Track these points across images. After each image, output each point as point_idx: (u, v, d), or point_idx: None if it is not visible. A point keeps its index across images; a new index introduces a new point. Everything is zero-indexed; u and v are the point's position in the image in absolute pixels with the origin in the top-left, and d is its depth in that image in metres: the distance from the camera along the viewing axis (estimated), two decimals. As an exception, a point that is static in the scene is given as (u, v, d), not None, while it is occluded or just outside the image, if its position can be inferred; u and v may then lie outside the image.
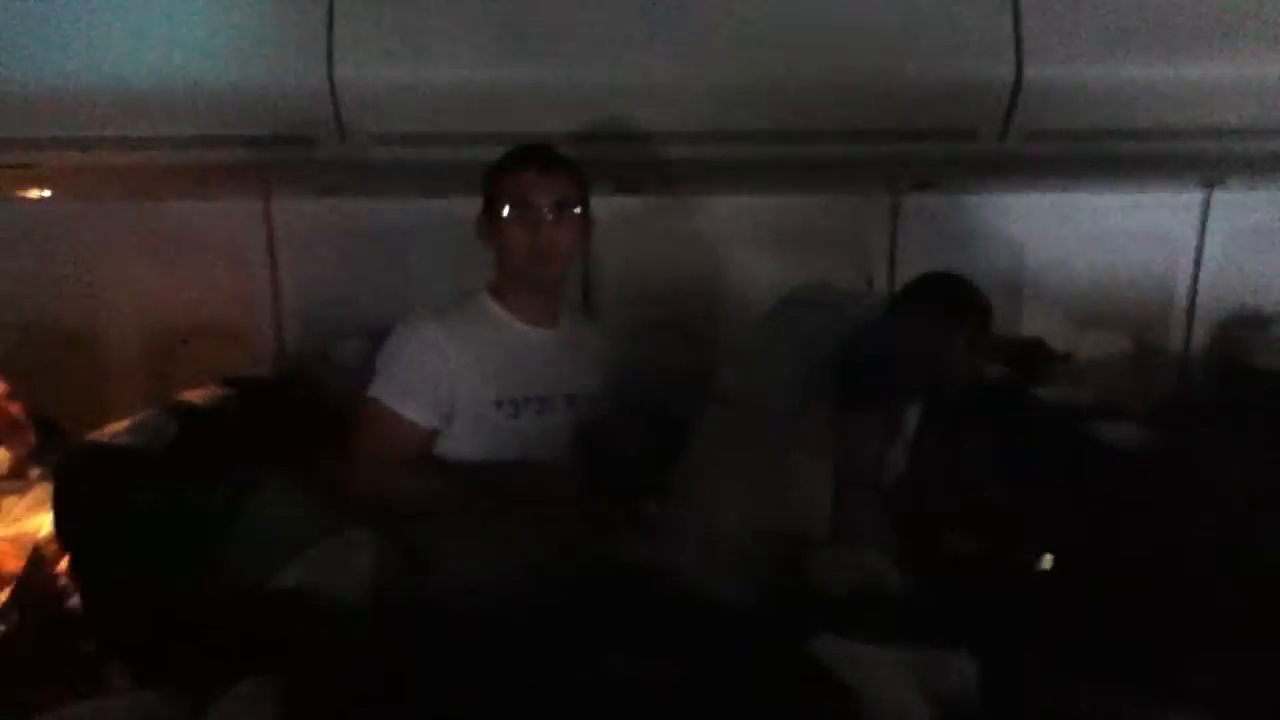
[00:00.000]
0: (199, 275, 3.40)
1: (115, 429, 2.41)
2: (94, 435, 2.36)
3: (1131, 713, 1.25)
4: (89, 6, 2.29)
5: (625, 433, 2.22)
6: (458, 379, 2.07)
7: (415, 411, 2.07)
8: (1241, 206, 3.40)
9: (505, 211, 2.08)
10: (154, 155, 2.53)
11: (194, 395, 2.72)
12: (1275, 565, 1.69)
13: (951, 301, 2.29)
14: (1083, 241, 3.46)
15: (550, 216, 2.07)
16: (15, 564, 2.82)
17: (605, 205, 3.30)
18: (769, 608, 1.50)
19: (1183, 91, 2.46)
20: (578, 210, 2.13)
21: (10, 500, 2.95)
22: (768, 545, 1.74)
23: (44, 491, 3.02)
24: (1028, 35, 2.32)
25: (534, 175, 2.07)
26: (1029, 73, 2.34)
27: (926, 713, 1.12)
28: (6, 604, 2.52)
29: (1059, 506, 2.30)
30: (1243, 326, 3.56)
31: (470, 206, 2.22)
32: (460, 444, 2.10)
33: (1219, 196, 3.35)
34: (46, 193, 3.08)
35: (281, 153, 2.51)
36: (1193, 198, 3.37)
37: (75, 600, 2.67)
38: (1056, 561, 2.05)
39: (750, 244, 3.32)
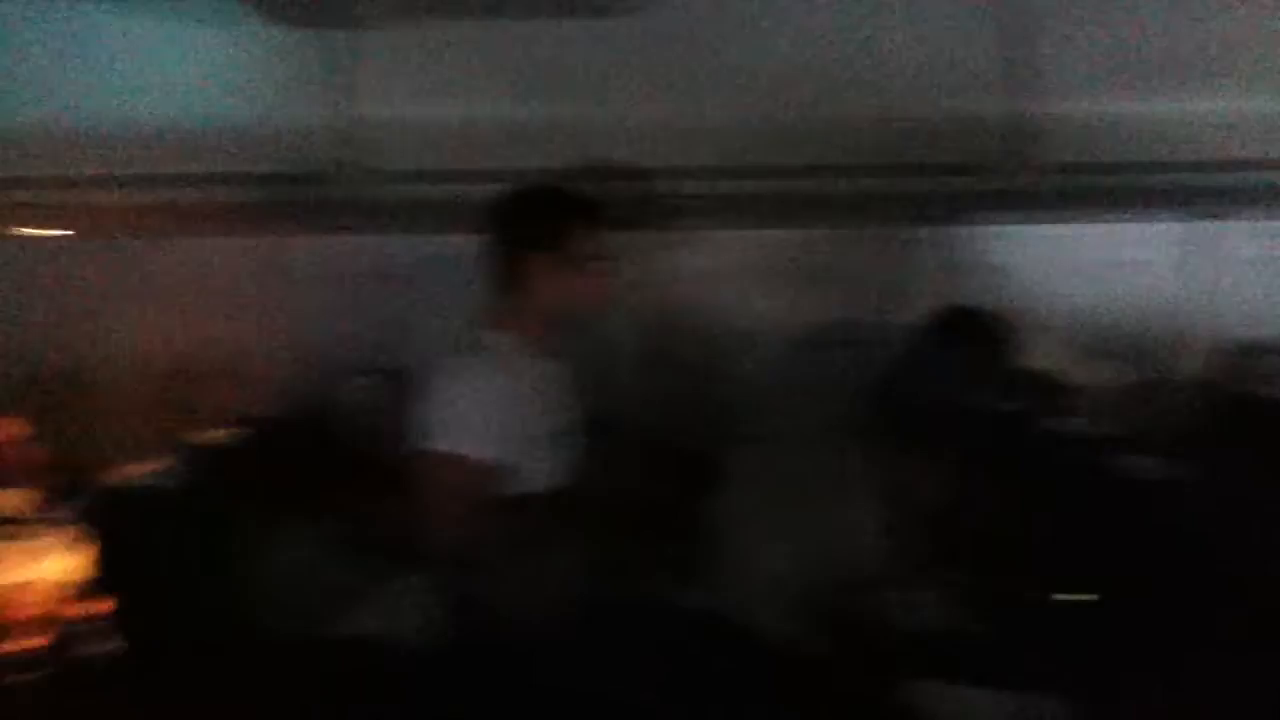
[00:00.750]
0: (207, 313, 3.39)
1: (142, 470, 2.40)
2: (121, 478, 2.36)
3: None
4: (106, 48, 2.31)
5: (651, 464, 2.24)
6: (505, 414, 2.06)
7: (482, 450, 2.04)
8: (1237, 237, 3.46)
9: (557, 256, 2.09)
10: (168, 193, 2.53)
11: (214, 435, 2.72)
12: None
13: (983, 334, 2.33)
14: (1085, 272, 3.51)
15: (595, 259, 2.08)
16: (32, 608, 2.81)
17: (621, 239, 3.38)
18: (847, 650, 1.51)
19: (1183, 126, 2.52)
20: (604, 249, 2.14)
21: (26, 544, 2.93)
22: (824, 587, 1.76)
23: (62, 535, 3.01)
24: (1040, 72, 2.37)
25: (587, 224, 2.08)
26: (1042, 109, 2.39)
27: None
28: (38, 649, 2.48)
29: (1088, 540, 2.33)
30: (1239, 355, 3.63)
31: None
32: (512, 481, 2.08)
33: (1215, 227, 3.42)
34: (63, 232, 3.06)
35: (296, 191, 2.52)
36: (1191, 228, 3.44)
37: (88, 645, 2.66)
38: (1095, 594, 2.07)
39: (758, 277, 3.36)
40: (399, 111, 2.34)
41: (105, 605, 2.47)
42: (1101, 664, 1.69)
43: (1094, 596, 2.00)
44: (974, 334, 2.33)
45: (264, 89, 2.30)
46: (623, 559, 2.25)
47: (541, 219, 2.12)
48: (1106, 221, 3.39)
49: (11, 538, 2.92)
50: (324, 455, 2.64)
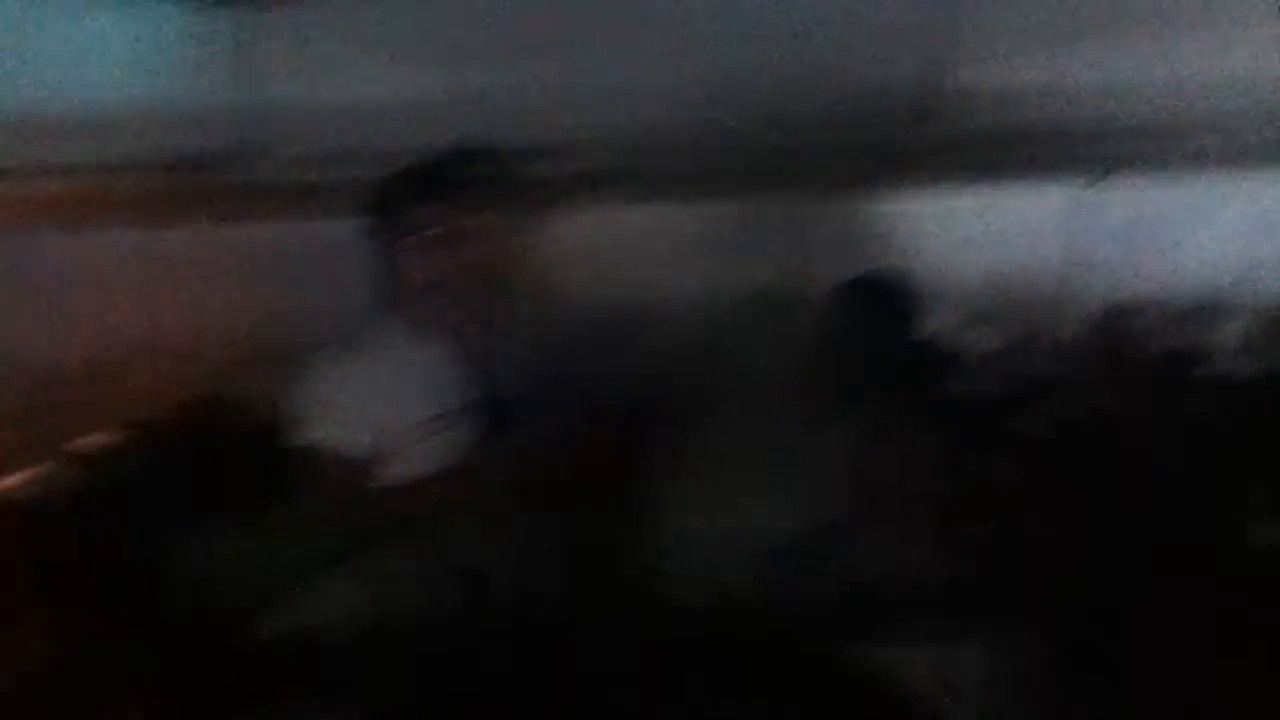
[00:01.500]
0: (83, 310, 3.22)
1: (14, 480, 2.27)
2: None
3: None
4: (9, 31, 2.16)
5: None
6: (382, 402, 2.02)
7: (353, 439, 2.01)
8: (1117, 201, 3.59)
9: (401, 232, 2.05)
10: (65, 181, 2.39)
11: (93, 441, 2.59)
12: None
13: (903, 299, 2.38)
14: (970, 240, 3.60)
15: (445, 234, 2.05)
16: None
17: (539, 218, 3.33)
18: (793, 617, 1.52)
19: (1073, 90, 2.59)
20: (475, 225, 2.10)
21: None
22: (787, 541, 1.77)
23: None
24: (950, 37, 2.40)
25: (426, 194, 2.05)
26: (951, 74, 2.42)
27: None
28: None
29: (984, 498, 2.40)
30: (1117, 316, 3.78)
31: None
32: (398, 466, 2.05)
33: (1094, 193, 3.55)
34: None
35: (201, 176, 2.41)
36: (1071, 193, 3.55)
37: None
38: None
39: (666, 251, 3.36)
40: (301, 92, 2.24)
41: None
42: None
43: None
44: (886, 300, 2.36)
45: (167, 73, 2.18)
46: (534, 543, 2.23)
47: (390, 199, 2.09)
48: (994, 189, 3.49)
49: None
50: (222, 453, 2.53)
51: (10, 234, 3.11)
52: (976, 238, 3.60)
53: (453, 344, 2.14)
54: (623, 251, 3.44)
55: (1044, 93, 2.51)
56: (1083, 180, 3.48)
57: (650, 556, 2.16)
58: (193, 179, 2.49)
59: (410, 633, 1.45)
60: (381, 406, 2.03)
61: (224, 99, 2.29)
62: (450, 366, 2.12)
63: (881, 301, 2.35)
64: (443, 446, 2.05)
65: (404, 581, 1.69)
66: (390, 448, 2.03)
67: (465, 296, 2.09)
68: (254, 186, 2.57)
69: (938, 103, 2.51)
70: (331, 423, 2.02)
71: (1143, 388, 3.62)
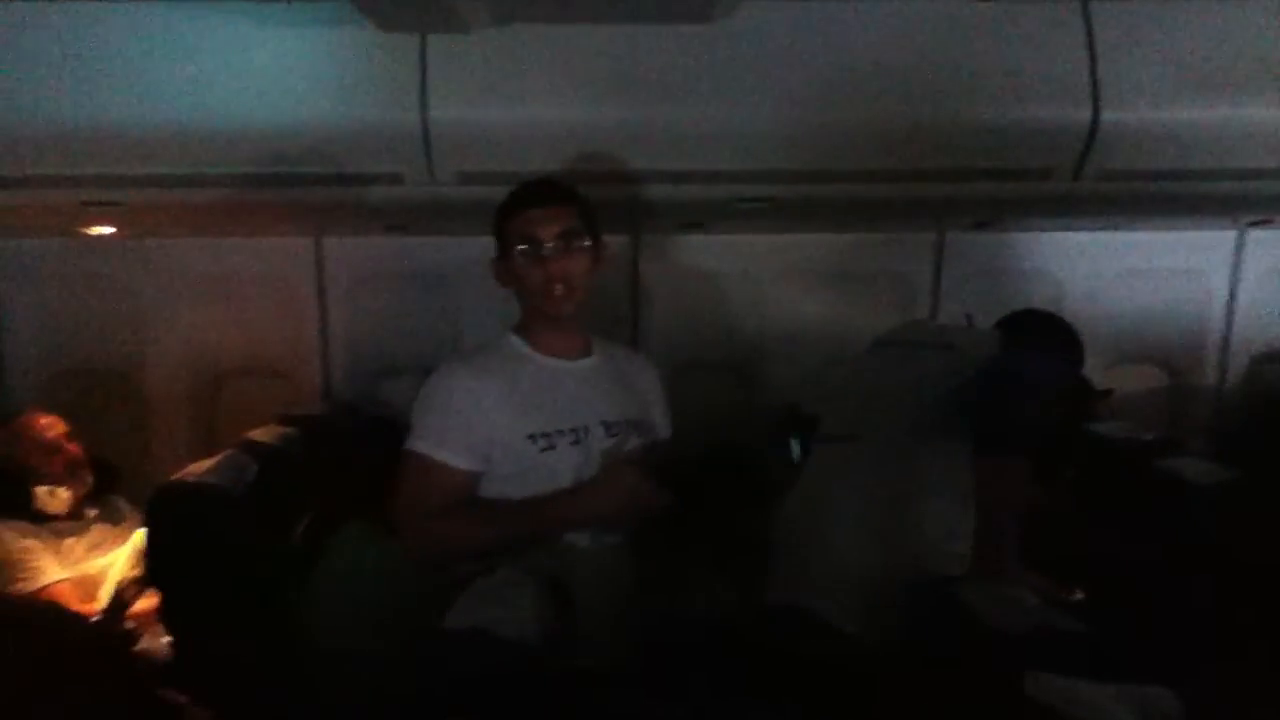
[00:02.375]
0: (250, 312, 3.39)
1: (200, 468, 2.39)
2: (181, 475, 2.35)
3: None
4: (184, 46, 2.30)
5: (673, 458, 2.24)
6: (489, 418, 2.05)
7: (453, 456, 2.04)
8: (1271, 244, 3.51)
9: (512, 250, 2.09)
10: (233, 193, 2.53)
11: (261, 434, 2.71)
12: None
13: (1062, 340, 2.33)
14: (1121, 277, 3.55)
15: (556, 250, 2.07)
16: (80, 604, 2.80)
17: (670, 243, 3.41)
18: (946, 647, 1.52)
19: (1230, 133, 2.54)
20: (586, 242, 2.12)
21: (70, 541, 2.93)
22: (908, 584, 1.76)
23: (103, 532, 3.01)
24: (1104, 79, 2.39)
25: (536, 211, 2.07)
26: (1105, 116, 2.41)
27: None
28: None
29: (1141, 542, 2.35)
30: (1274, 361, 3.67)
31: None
32: (501, 483, 2.08)
33: (1255, 234, 3.46)
34: (110, 230, 3.06)
35: (367, 191, 2.52)
36: (1229, 235, 3.48)
37: (143, 643, 2.65)
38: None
39: (815, 281, 3.40)
40: (479, 113, 2.34)
41: (159, 601, 2.46)
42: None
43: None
44: (1048, 338, 2.33)
45: (342, 89, 2.30)
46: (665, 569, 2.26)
47: (495, 220, 2.13)
48: (1148, 229, 3.43)
49: (65, 534, 2.92)
50: (363, 452, 2.63)
51: (191, 240, 3.31)
52: (1132, 278, 3.54)
53: (573, 361, 2.18)
54: (764, 279, 3.49)
55: (1200, 135, 2.47)
56: (1242, 222, 3.40)
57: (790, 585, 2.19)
58: (360, 193, 2.60)
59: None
60: (501, 420, 2.06)
61: (390, 117, 2.39)
62: (570, 384, 2.16)
63: (1035, 340, 2.31)
64: (570, 460, 2.08)
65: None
66: (507, 460, 2.07)
67: (567, 306, 2.12)
68: (419, 202, 2.67)
69: (1095, 145, 2.49)
70: (451, 437, 2.06)
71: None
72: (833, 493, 2.01)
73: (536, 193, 2.09)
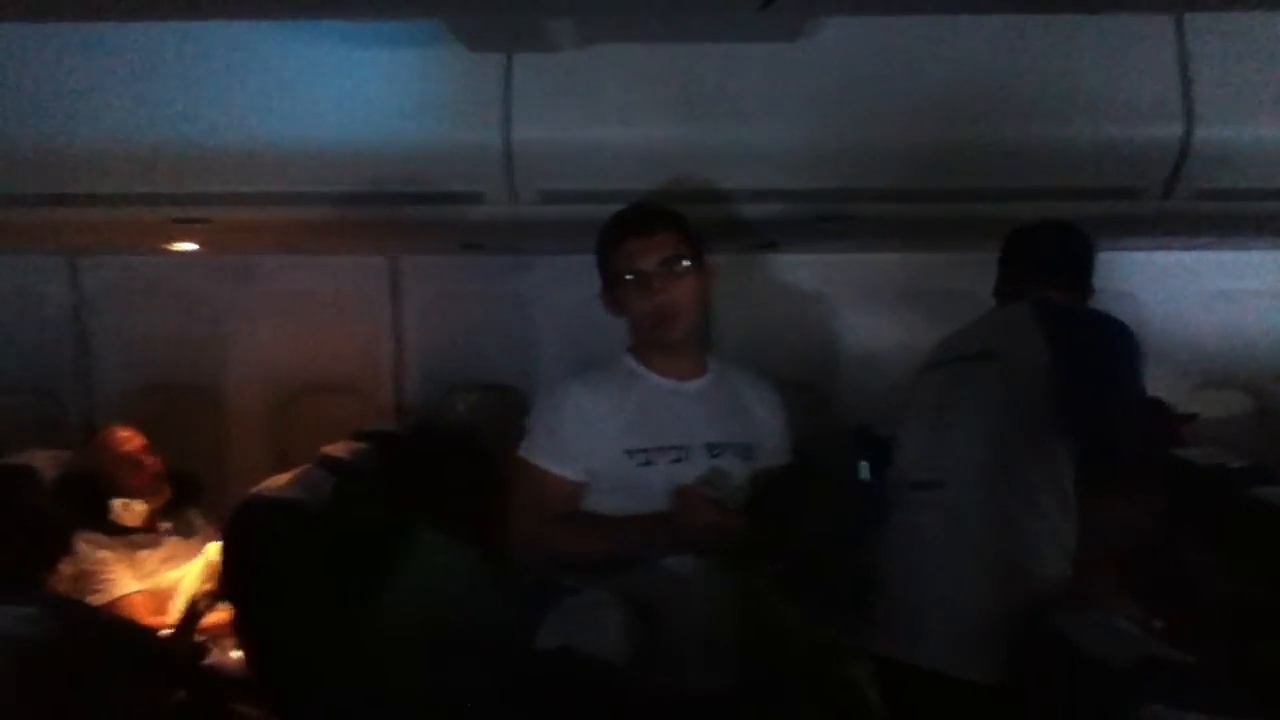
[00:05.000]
0: (326, 329, 3.43)
1: (278, 483, 2.41)
2: (259, 489, 2.37)
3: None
4: (274, 67, 2.33)
5: (786, 484, 2.21)
6: (593, 431, 2.06)
7: (560, 467, 2.05)
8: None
9: (621, 282, 2.07)
10: (317, 211, 2.56)
11: (338, 450, 2.73)
12: None
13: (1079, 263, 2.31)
14: (1204, 299, 3.47)
15: (659, 279, 2.06)
16: (152, 617, 2.83)
17: (747, 262, 3.40)
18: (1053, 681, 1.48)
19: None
20: (687, 264, 2.11)
21: (145, 553, 2.97)
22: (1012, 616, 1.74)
23: (177, 545, 3.05)
24: (1197, 95, 2.33)
25: (636, 242, 2.04)
26: (1197, 133, 2.35)
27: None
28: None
29: (1235, 572, 2.28)
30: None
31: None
32: (601, 497, 2.08)
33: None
34: (194, 247, 3.11)
35: (450, 210, 2.54)
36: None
37: (214, 657, 2.67)
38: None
39: (888, 301, 3.37)
40: (561, 133, 2.35)
41: (232, 615, 2.48)
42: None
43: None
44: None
45: (424, 108, 2.33)
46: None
47: (597, 252, 2.12)
48: (1233, 249, 3.35)
49: (139, 546, 2.96)
50: (460, 468, 2.63)
51: (270, 257, 3.35)
52: (1216, 300, 3.46)
53: (685, 381, 2.17)
54: (836, 299, 3.47)
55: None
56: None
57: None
58: (441, 211, 2.61)
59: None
60: (604, 435, 2.06)
61: (474, 136, 2.40)
62: (677, 403, 2.15)
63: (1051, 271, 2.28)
64: (668, 478, 2.07)
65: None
66: (606, 475, 2.06)
67: (677, 332, 2.10)
68: (498, 221, 2.68)
69: (1186, 163, 2.43)
70: (559, 448, 2.06)
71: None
72: (928, 539, 2.02)
73: (635, 222, 2.07)
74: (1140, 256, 3.40)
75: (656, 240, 2.04)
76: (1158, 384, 3.33)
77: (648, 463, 2.04)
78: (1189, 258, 3.41)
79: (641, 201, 2.19)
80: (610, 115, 2.39)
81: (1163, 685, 1.34)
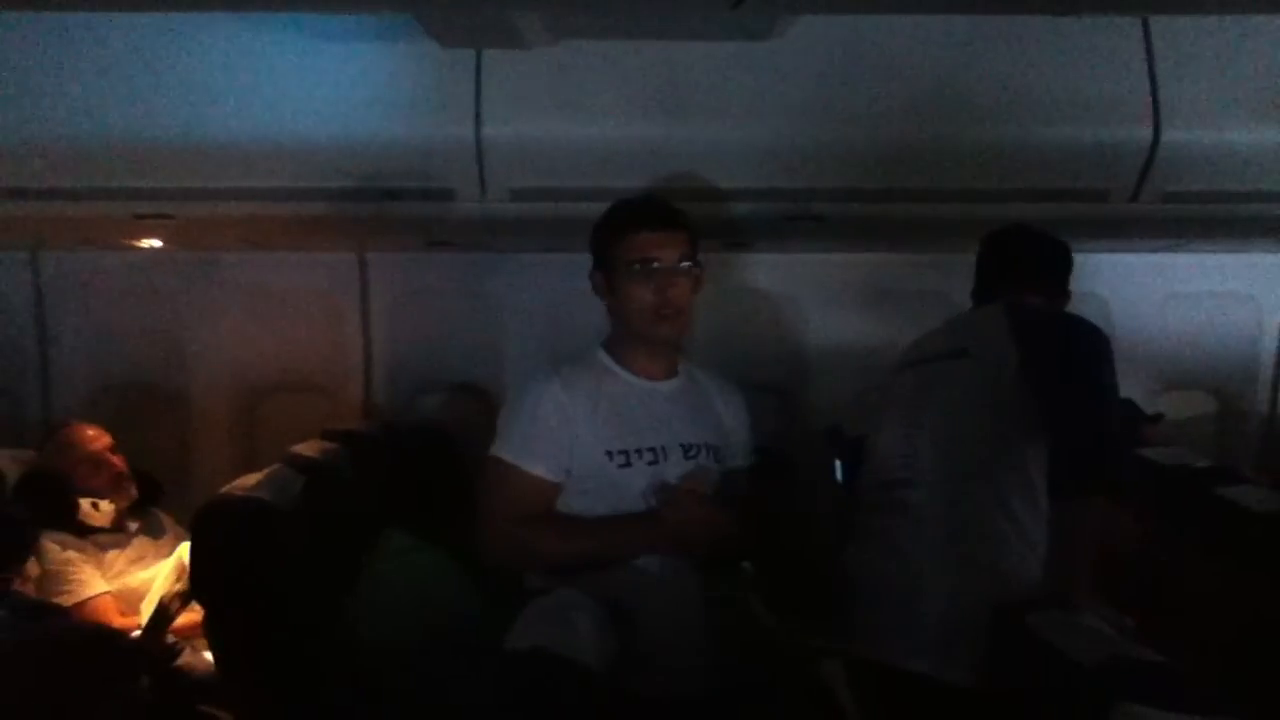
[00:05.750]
0: (293, 327, 3.39)
1: (247, 483, 2.38)
2: (228, 489, 2.34)
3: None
4: (242, 60, 2.31)
5: (748, 483, 2.22)
6: (572, 431, 2.05)
7: (538, 466, 2.04)
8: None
9: (629, 270, 2.06)
10: (284, 207, 2.53)
11: (307, 449, 2.70)
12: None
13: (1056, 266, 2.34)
14: (1169, 300, 3.50)
15: (673, 274, 2.05)
16: (122, 618, 2.79)
17: (716, 261, 3.39)
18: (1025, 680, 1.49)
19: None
20: (694, 265, 2.11)
21: (113, 554, 2.93)
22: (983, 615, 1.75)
23: (145, 545, 3.01)
24: (1164, 99, 2.36)
25: (656, 234, 2.05)
26: (1165, 136, 2.37)
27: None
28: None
29: (1204, 569, 2.30)
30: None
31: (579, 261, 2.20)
32: (577, 498, 2.07)
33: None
34: (158, 243, 3.07)
35: (418, 207, 2.52)
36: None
37: (185, 658, 2.64)
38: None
39: (859, 301, 3.38)
40: (532, 129, 2.34)
41: (203, 617, 2.45)
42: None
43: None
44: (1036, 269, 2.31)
45: (394, 105, 2.31)
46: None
47: (600, 233, 2.12)
48: (1197, 251, 3.38)
49: (108, 547, 2.92)
50: (430, 467, 2.62)
51: (235, 254, 3.32)
52: (1181, 302, 3.50)
53: (658, 381, 2.16)
54: (806, 299, 3.47)
55: (1261, 157, 2.44)
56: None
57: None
58: (409, 208, 2.59)
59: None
60: (582, 435, 2.05)
61: (444, 133, 2.38)
62: (653, 404, 2.14)
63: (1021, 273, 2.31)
64: (645, 479, 2.06)
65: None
66: (585, 475, 2.05)
67: (674, 330, 2.10)
68: (468, 218, 2.66)
69: (1154, 166, 2.46)
70: (537, 448, 2.05)
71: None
72: (899, 538, 2.04)
73: (657, 215, 2.08)
74: (1107, 258, 3.42)
75: (677, 236, 2.06)
76: (1124, 385, 3.37)
77: (627, 464, 2.04)
78: (1155, 259, 3.44)
79: (647, 196, 2.20)
80: (580, 113, 2.39)
81: (1134, 684, 1.35)
